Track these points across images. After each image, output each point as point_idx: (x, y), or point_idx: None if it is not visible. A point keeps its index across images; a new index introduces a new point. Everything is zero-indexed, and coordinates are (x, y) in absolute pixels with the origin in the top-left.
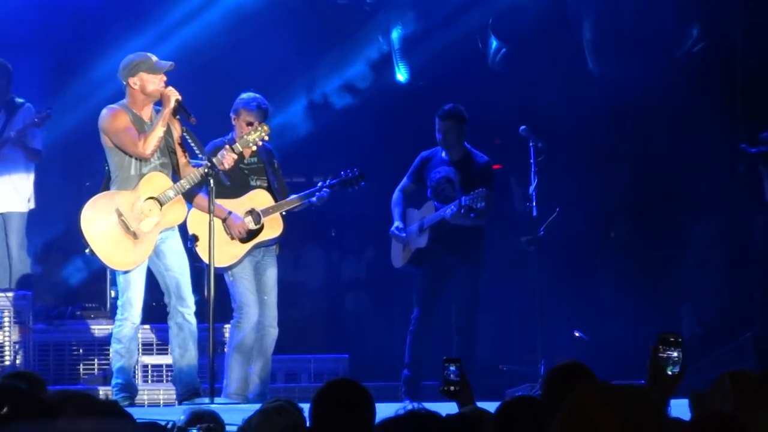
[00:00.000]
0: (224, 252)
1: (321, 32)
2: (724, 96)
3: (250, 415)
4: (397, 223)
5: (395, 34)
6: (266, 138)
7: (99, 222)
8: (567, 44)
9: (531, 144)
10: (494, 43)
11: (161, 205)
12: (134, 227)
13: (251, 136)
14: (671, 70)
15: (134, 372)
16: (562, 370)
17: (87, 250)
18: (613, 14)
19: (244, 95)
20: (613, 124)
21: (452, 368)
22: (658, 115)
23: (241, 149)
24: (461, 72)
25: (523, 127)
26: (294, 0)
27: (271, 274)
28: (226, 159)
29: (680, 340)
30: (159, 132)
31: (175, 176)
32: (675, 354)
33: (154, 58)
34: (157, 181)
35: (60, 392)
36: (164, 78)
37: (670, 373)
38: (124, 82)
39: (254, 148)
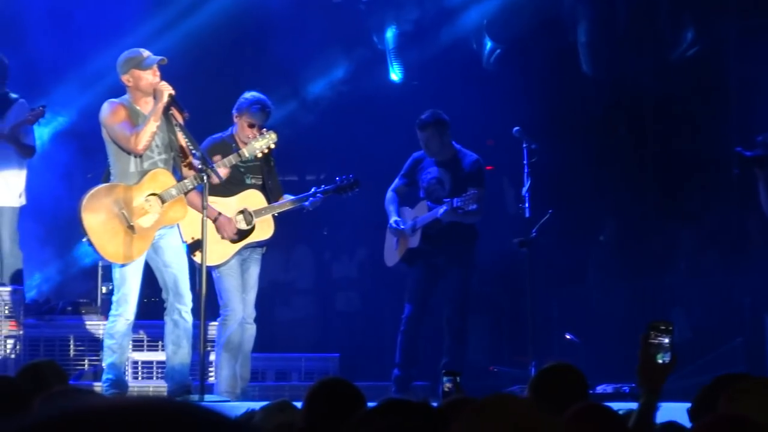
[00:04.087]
0: (214, 251)
1: (316, 31)
2: (717, 99)
3: (249, 410)
4: (394, 218)
5: (390, 34)
6: (273, 146)
7: (98, 213)
8: (561, 46)
9: (524, 145)
10: (489, 44)
11: (163, 202)
12: (133, 222)
13: (259, 143)
14: (665, 73)
15: (125, 368)
16: (551, 371)
17: (84, 239)
18: (607, 17)
19: (248, 95)
20: (606, 127)
21: (449, 380)
22: (651, 118)
23: (248, 156)
24: (455, 72)
25: (516, 128)
26: None
27: (254, 273)
28: (222, 172)
29: (671, 328)
30: (151, 127)
31: (178, 174)
32: (666, 340)
33: (146, 53)
34: (162, 178)
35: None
36: (157, 73)
37: (660, 361)
38: (121, 79)
39: (260, 155)
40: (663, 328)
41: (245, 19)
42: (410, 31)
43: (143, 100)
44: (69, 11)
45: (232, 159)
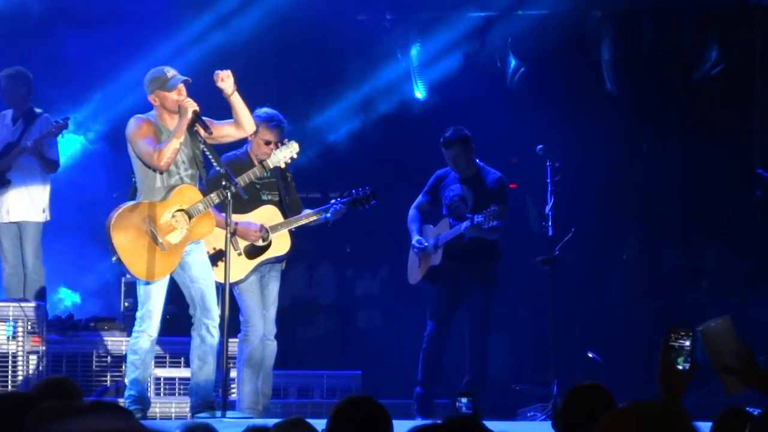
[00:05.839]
0: (231, 267)
1: (340, 48)
2: (741, 119)
3: (250, 426)
4: (416, 237)
5: (414, 51)
6: (295, 156)
7: (128, 231)
8: (585, 64)
9: (548, 163)
10: (513, 62)
11: (190, 217)
12: (162, 238)
13: (282, 153)
14: (689, 92)
15: (148, 384)
16: (582, 390)
17: (114, 258)
18: (631, 35)
19: (261, 111)
20: (629, 145)
21: (464, 401)
22: (675, 136)
23: (272, 166)
24: (479, 90)
25: (540, 146)
26: (314, 15)
27: (273, 289)
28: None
29: (691, 333)
30: (174, 144)
31: (203, 188)
32: (687, 343)
33: (170, 73)
34: (188, 194)
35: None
36: (182, 91)
37: (680, 367)
38: (148, 98)
39: (283, 166)
40: (683, 332)
41: (268, 36)
42: (435, 49)
43: (170, 117)
44: (102, 21)
45: (256, 171)
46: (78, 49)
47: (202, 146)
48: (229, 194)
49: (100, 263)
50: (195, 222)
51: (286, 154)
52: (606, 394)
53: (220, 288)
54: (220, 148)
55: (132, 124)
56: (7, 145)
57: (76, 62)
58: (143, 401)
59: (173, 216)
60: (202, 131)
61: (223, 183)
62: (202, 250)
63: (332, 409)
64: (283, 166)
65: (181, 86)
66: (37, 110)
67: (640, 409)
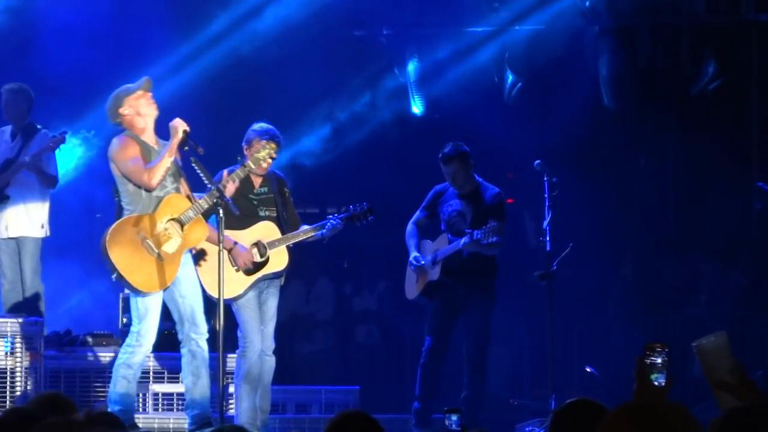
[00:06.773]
0: (229, 283)
1: (337, 63)
2: (739, 132)
3: None
4: (414, 254)
5: (411, 66)
6: (274, 155)
7: (124, 245)
8: (583, 80)
9: (545, 178)
10: (510, 77)
11: (182, 225)
12: (158, 249)
13: (261, 153)
14: (686, 106)
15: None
16: (572, 407)
17: (114, 276)
18: (629, 50)
19: (257, 126)
20: (627, 160)
21: (454, 418)
22: (672, 151)
23: (253, 167)
24: (476, 105)
25: (537, 161)
26: (310, 31)
27: (272, 305)
28: (228, 189)
29: (667, 349)
30: (166, 163)
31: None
32: (659, 360)
33: (129, 84)
34: (176, 203)
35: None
36: (148, 94)
37: (656, 384)
38: (117, 120)
39: (265, 165)
40: (659, 349)
41: (265, 52)
42: (432, 64)
43: (143, 129)
44: (95, 41)
45: (239, 173)
46: (79, 61)
47: (192, 164)
48: (221, 211)
49: (99, 278)
50: (188, 229)
51: (264, 154)
52: (598, 408)
53: (214, 303)
54: (219, 164)
55: (116, 144)
56: (6, 161)
57: (78, 74)
58: (130, 417)
59: (165, 226)
60: (196, 149)
61: (215, 201)
62: (191, 265)
63: (326, 425)
64: (264, 165)
65: (146, 81)
66: (37, 126)
67: (633, 412)
